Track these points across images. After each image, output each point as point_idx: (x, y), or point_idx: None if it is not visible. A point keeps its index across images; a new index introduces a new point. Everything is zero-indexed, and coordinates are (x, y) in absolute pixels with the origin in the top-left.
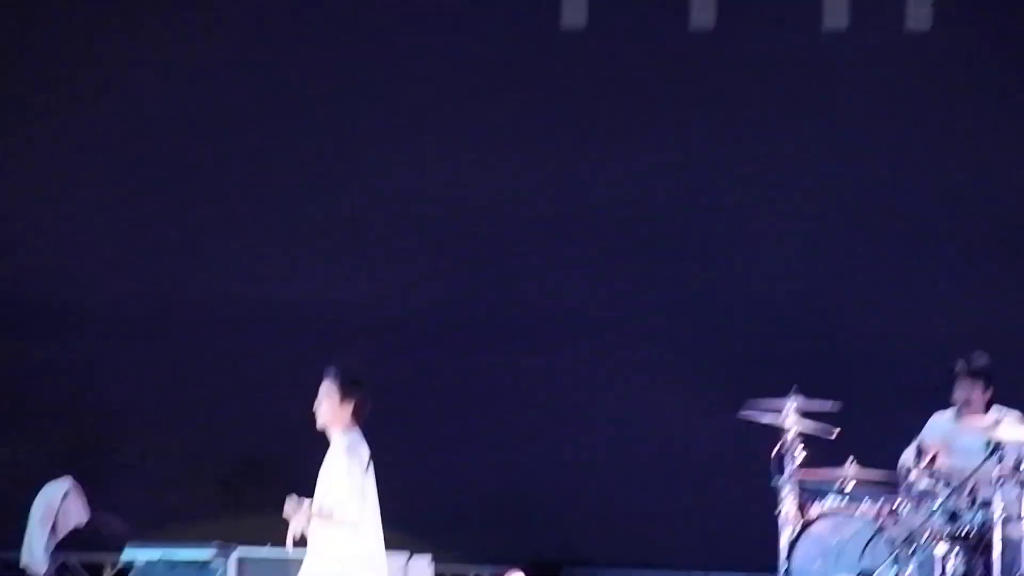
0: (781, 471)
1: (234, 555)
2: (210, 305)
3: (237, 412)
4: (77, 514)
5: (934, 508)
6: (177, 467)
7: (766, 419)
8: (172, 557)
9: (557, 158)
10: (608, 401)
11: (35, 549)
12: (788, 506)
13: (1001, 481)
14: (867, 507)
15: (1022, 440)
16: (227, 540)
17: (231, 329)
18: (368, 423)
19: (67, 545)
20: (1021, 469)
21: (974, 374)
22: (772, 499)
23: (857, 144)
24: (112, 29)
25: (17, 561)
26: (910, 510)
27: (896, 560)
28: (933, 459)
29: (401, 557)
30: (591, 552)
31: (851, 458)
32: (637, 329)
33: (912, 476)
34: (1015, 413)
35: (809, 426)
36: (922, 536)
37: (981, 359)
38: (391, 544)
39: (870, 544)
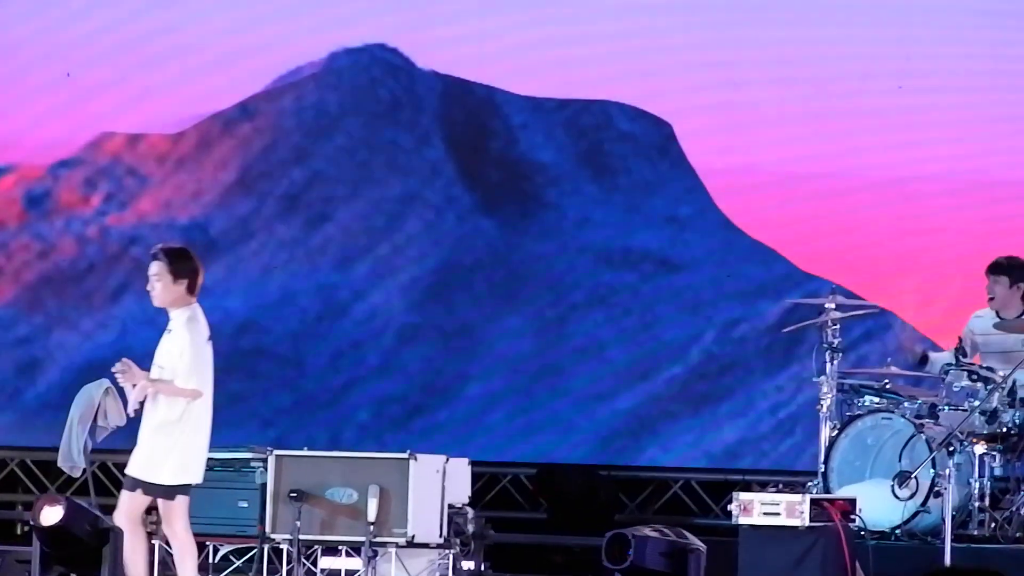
0: (822, 369)
1: (273, 454)
2: None
3: None
4: (118, 414)
5: (973, 407)
6: None
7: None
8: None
9: None
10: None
11: (73, 448)
12: (828, 405)
13: None
14: (906, 407)
15: None
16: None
17: None
18: None
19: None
20: None
21: (994, 270)
22: (813, 397)
23: None
24: None
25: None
26: (949, 410)
27: (934, 460)
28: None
29: (438, 459)
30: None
31: (889, 359)
32: None
33: (951, 376)
34: None
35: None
36: (961, 436)
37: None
38: None
39: (908, 444)
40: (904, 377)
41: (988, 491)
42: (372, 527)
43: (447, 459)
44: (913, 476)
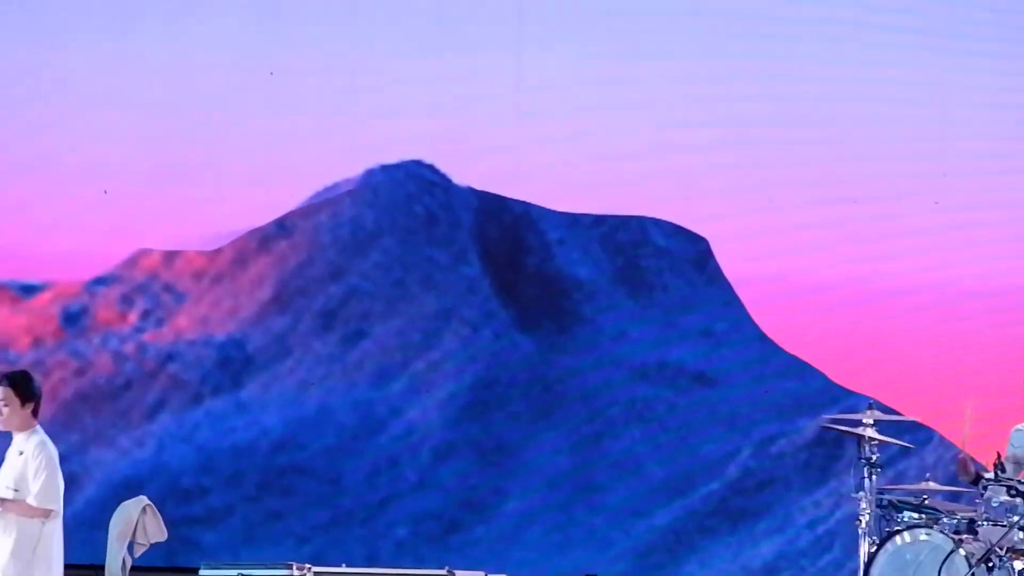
0: (860, 485)
1: (312, 570)
2: None
3: None
4: (157, 530)
5: (1012, 523)
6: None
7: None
8: (249, 572)
9: None
10: None
11: (114, 566)
12: (866, 520)
13: None
14: (944, 522)
15: None
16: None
17: None
18: None
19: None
20: None
21: None
22: (851, 512)
23: None
24: None
25: None
26: (988, 525)
27: None
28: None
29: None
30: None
31: (928, 474)
32: None
33: (990, 491)
34: None
35: (887, 439)
36: (1000, 551)
37: None
38: None
39: (947, 560)
40: (942, 492)
41: None
42: None
43: (485, 575)
44: None
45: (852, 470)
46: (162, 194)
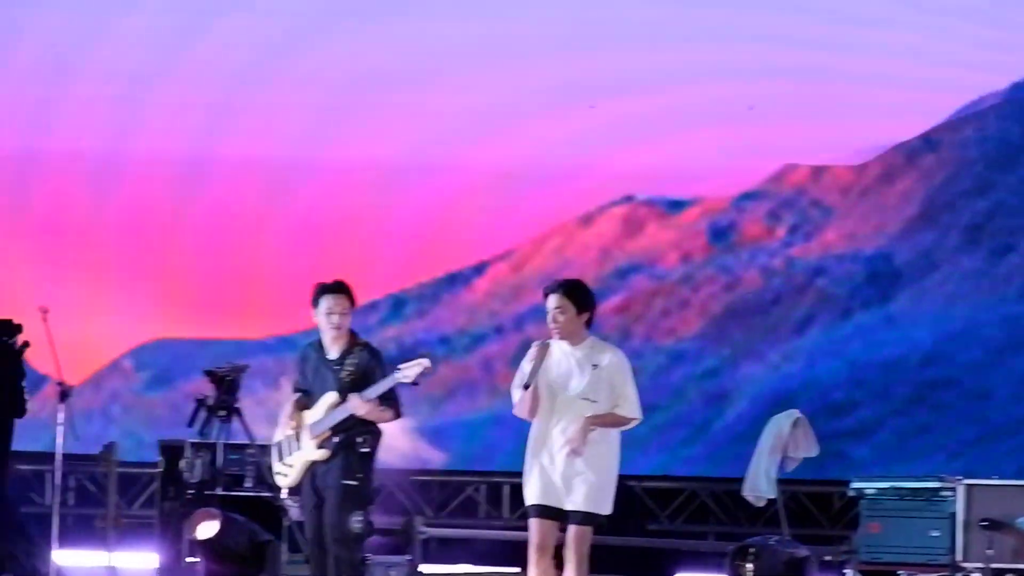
0: None
1: (962, 483)
2: None
3: None
4: (808, 445)
5: None
6: None
7: None
8: (902, 486)
9: None
10: None
11: (761, 478)
12: None
13: None
14: None
15: None
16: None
17: None
18: None
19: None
20: None
21: None
22: None
23: None
24: None
25: None
26: None
27: None
28: None
29: None
30: None
31: None
32: None
33: None
34: None
35: None
36: None
37: None
38: None
39: None
40: None
41: None
42: None
43: None
44: None
45: None
46: (807, 108)
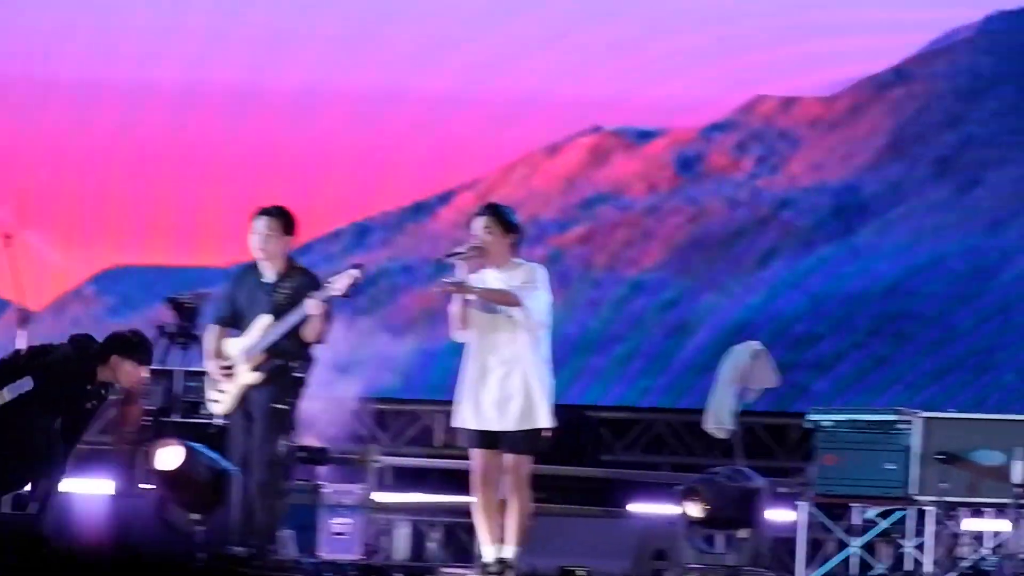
0: None
1: (919, 416)
2: None
3: None
4: (768, 377)
5: None
6: None
7: None
8: (858, 418)
9: None
10: None
11: (723, 411)
12: None
13: None
14: None
15: None
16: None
17: None
18: None
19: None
20: None
21: None
22: None
23: None
24: None
25: None
26: None
27: None
28: None
29: None
30: None
31: None
32: None
33: None
34: None
35: None
36: None
37: None
38: None
39: None
40: None
41: None
42: (1018, 489)
43: None
44: None
45: None
46: (777, 40)
